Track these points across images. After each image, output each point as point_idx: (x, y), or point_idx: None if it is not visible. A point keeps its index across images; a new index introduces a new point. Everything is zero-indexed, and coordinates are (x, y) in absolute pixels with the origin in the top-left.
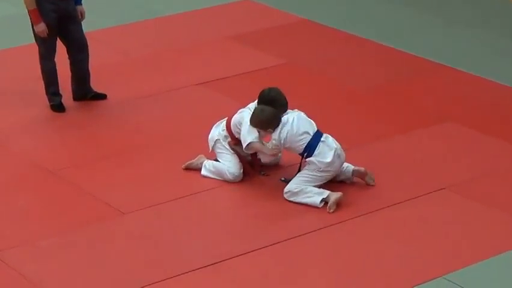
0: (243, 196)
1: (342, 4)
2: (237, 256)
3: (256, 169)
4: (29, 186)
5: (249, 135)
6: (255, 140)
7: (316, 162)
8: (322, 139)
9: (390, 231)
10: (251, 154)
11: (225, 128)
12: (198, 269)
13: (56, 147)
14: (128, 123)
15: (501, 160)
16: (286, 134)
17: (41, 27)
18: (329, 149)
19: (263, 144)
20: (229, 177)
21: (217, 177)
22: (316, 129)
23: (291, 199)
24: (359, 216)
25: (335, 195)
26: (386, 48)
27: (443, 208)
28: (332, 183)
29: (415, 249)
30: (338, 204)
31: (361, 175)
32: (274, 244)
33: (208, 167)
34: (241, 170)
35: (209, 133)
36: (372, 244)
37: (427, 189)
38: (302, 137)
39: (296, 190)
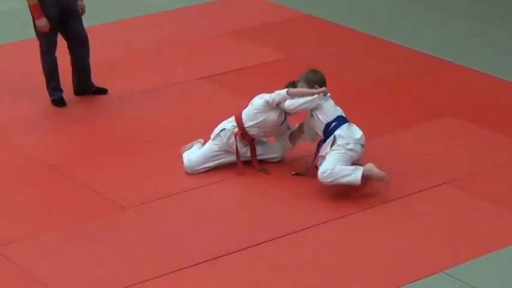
0: (243, 191)
1: None
2: (238, 251)
3: (256, 167)
4: (30, 181)
5: (278, 92)
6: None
7: (345, 136)
8: (348, 123)
9: (391, 226)
10: (250, 150)
11: (233, 120)
12: (199, 263)
13: (57, 142)
14: (129, 118)
15: (502, 155)
16: (327, 100)
17: (43, 22)
18: (357, 129)
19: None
20: (185, 162)
21: (184, 159)
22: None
23: (327, 180)
24: (360, 211)
25: (370, 167)
26: (387, 43)
27: (444, 203)
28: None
29: (416, 244)
30: (343, 197)
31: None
32: (274, 239)
33: (192, 149)
34: (200, 167)
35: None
36: (373, 238)
37: (428, 184)
38: (338, 109)
39: (332, 170)
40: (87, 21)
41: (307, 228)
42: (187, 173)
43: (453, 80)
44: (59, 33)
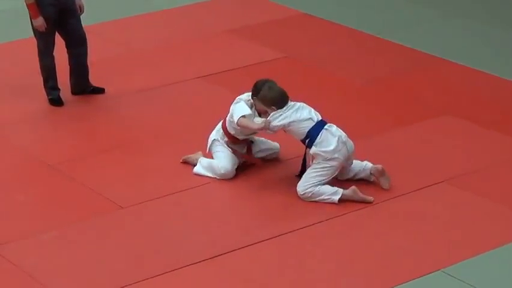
0: (241, 190)
1: None
2: (235, 250)
3: (257, 162)
4: (28, 181)
5: (239, 111)
6: (244, 114)
7: (321, 153)
8: (325, 127)
9: (389, 225)
10: (246, 150)
11: (220, 128)
12: (197, 262)
13: (55, 141)
14: (128, 117)
15: (500, 153)
16: (291, 114)
17: (40, 21)
18: (332, 136)
19: (252, 120)
20: (221, 171)
21: (209, 174)
22: (320, 118)
23: (306, 200)
24: (358, 209)
25: (351, 193)
26: (385, 42)
27: (442, 201)
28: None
29: (413, 243)
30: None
31: (377, 173)
32: (271, 238)
33: (202, 163)
34: (235, 167)
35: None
36: (371, 237)
37: (426, 183)
38: (305, 122)
39: (310, 192)
40: (85, 20)
41: (304, 227)
42: (222, 178)
43: (451, 79)
44: (57, 33)
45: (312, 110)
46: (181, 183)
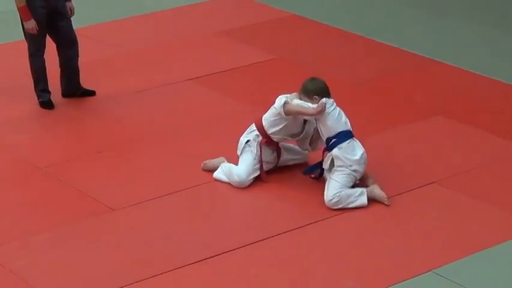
0: (233, 191)
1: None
2: (230, 251)
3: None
4: (18, 183)
5: (283, 97)
6: (286, 100)
7: (343, 158)
8: (354, 138)
9: (380, 225)
10: (276, 155)
11: (255, 128)
12: (190, 264)
13: (46, 143)
14: (118, 119)
15: (491, 154)
16: (332, 110)
17: (31, 24)
18: (359, 148)
19: (301, 104)
20: (235, 179)
21: (226, 180)
22: (351, 129)
23: (335, 207)
24: (349, 211)
25: (373, 188)
26: (375, 43)
27: (433, 202)
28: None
29: (405, 243)
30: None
31: (363, 179)
32: (265, 239)
33: (224, 168)
34: (251, 177)
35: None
36: (362, 238)
37: (418, 183)
38: (343, 122)
39: (337, 196)
40: (77, 22)
41: (297, 228)
42: (236, 187)
43: (442, 80)
44: (48, 35)
45: (347, 118)
46: (172, 184)
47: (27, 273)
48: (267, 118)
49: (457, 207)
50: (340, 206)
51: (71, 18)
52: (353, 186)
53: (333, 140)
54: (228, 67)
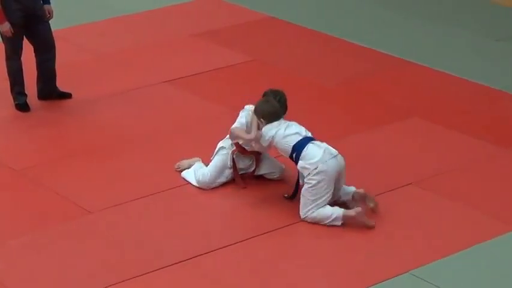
0: (212, 193)
1: (307, 2)
2: (208, 252)
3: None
4: None
5: (237, 122)
6: (237, 126)
7: (307, 166)
8: (312, 141)
9: (357, 227)
10: (255, 162)
11: (228, 137)
12: (168, 266)
13: (22, 146)
14: (95, 121)
15: (466, 155)
16: (276, 131)
17: (5, 26)
18: (317, 148)
19: (244, 131)
20: (199, 178)
21: (190, 180)
22: (309, 134)
23: (311, 222)
24: None
25: (350, 213)
26: (351, 45)
27: (409, 203)
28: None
29: (381, 245)
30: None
31: (361, 197)
32: (243, 241)
33: (194, 167)
34: (216, 181)
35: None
36: (338, 239)
37: (394, 185)
38: (292, 136)
39: (310, 218)
40: (52, 25)
41: (275, 229)
42: (200, 188)
43: (417, 81)
44: (26, 38)
45: (303, 128)
46: (148, 187)
47: (5, 278)
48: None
49: (434, 208)
50: (314, 222)
51: (50, 21)
52: (335, 203)
53: (294, 154)
54: (204, 69)
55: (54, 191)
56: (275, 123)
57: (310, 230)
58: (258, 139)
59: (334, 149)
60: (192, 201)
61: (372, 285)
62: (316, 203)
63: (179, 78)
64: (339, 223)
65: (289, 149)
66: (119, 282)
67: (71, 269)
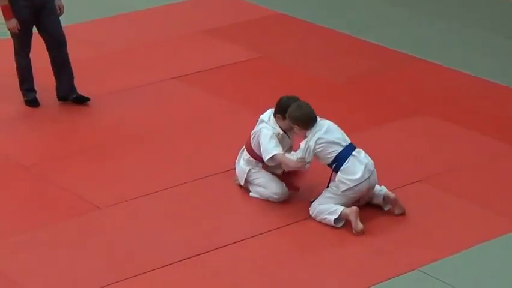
0: (219, 190)
1: None
2: (214, 250)
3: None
4: (3, 182)
5: (270, 145)
6: (279, 152)
7: (346, 181)
8: (353, 153)
9: (366, 224)
10: (283, 173)
11: (249, 155)
12: (175, 262)
13: (31, 142)
14: (103, 118)
15: (475, 152)
16: (316, 140)
17: (12, 23)
18: (359, 164)
19: (287, 156)
20: (275, 197)
21: (263, 198)
22: (349, 141)
23: (316, 219)
24: None
25: (348, 211)
26: (360, 42)
27: (418, 201)
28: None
29: (391, 242)
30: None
31: (391, 202)
32: (248, 238)
33: (254, 191)
34: (284, 186)
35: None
36: (347, 237)
37: (403, 182)
38: (333, 146)
39: (313, 209)
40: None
41: (279, 227)
42: (278, 201)
43: (426, 78)
44: (38, 33)
45: (340, 131)
46: (157, 183)
47: (12, 272)
48: (255, 145)
49: (442, 206)
50: (317, 219)
51: (61, 17)
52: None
53: (334, 165)
54: (211, 66)
55: (62, 186)
56: (313, 131)
57: (317, 227)
58: (304, 164)
59: (371, 160)
60: (200, 198)
61: (380, 281)
62: (330, 201)
63: (187, 74)
64: (333, 218)
65: (330, 160)
66: (127, 279)
67: (79, 264)
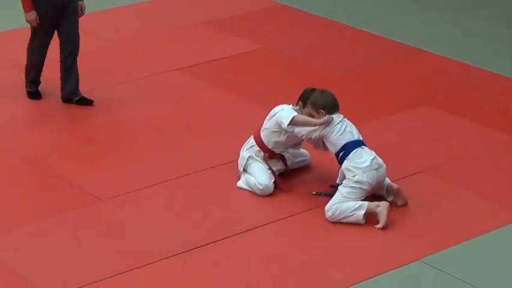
0: (220, 182)
1: None
2: (219, 240)
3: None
4: (6, 174)
5: (291, 113)
6: (297, 114)
7: (352, 168)
8: (362, 146)
9: (368, 215)
10: (282, 162)
11: (254, 143)
12: (178, 254)
13: (33, 134)
14: (106, 110)
15: (477, 143)
16: (337, 118)
17: (31, 15)
18: (366, 154)
19: (308, 117)
20: (259, 187)
21: (248, 188)
22: (361, 138)
23: (333, 220)
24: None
25: (379, 207)
26: (362, 33)
27: (420, 192)
28: (366, 198)
29: (392, 233)
30: (318, 188)
31: (393, 192)
32: (254, 228)
33: (243, 178)
34: (272, 181)
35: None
36: (349, 228)
37: (404, 173)
38: (345, 134)
39: (334, 209)
40: None
41: (281, 219)
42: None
43: (428, 69)
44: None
45: (355, 128)
46: (159, 175)
47: (14, 264)
48: (267, 129)
49: (444, 196)
50: (335, 220)
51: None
52: (366, 199)
53: (341, 153)
54: (214, 57)
55: (64, 179)
56: (335, 115)
57: (318, 218)
58: (329, 122)
59: (381, 159)
60: (204, 189)
61: (382, 272)
62: (347, 198)
63: (189, 66)
64: (362, 213)
65: (339, 146)
66: (130, 270)
67: (82, 256)
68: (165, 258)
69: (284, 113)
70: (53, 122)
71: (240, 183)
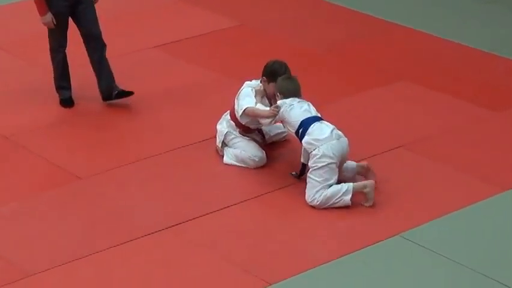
0: (197, 161)
1: None
2: (197, 218)
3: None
4: None
5: (244, 101)
6: (250, 105)
7: (313, 142)
8: (320, 121)
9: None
10: (261, 137)
11: (230, 118)
12: (158, 231)
13: (11, 113)
14: (83, 87)
15: (456, 118)
16: (292, 100)
17: (47, 18)
18: (326, 126)
19: (259, 109)
20: (255, 159)
21: (241, 165)
22: (319, 115)
23: (319, 208)
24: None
25: (366, 188)
26: (341, 9)
27: (399, 166)
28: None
29: (372, 208)
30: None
31: (364, 171)
32: (232, 205)
33: (229, 154)
34: (264, 153)
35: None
36: None
37: (384, 148)
38: (302, 112)
39: (316, 200)
40: None
41: (263, 194)
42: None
43: (406, 44)
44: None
45: (313, 108)
46: (138, 153)
47: None
48: (236, 112)
49: (423, 171)
50: (322, 207)
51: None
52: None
53: (300, 130)
54: (191, 34)
55: (43, 157)
56: (290, 99)
57: (297, 194)
58: (276, 113)
59: (340, 131)
60: (181, 167)
61: (362, 247)
62: (324, 184)
63: (167, 43)
64: (349, 197)
65: (297, 124)
66: (109, 248)
67: (61, 234)
68: (143, 236)
69: (241, 101)
70: (30, 99)
71: (227, 160)
